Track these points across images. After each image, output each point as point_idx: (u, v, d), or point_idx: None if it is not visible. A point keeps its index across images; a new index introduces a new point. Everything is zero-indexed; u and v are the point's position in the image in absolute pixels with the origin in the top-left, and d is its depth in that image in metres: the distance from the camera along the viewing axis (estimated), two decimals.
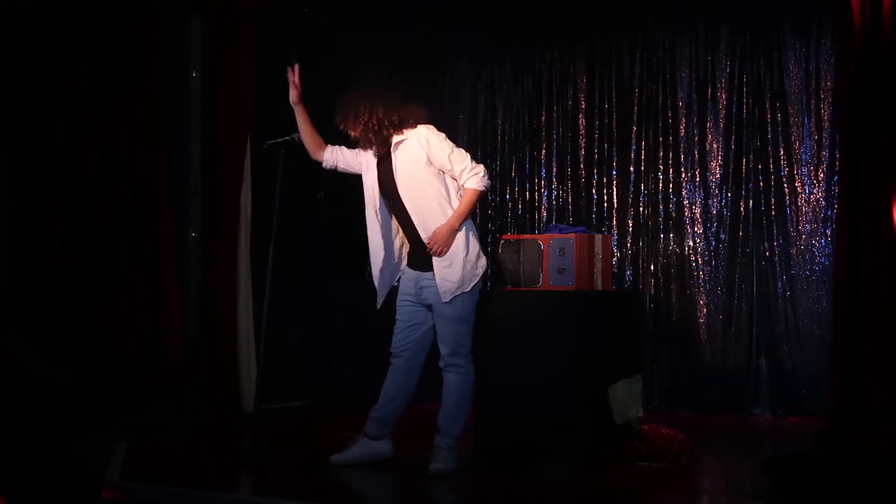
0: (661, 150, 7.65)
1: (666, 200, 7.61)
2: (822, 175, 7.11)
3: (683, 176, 7.56)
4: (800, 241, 7.16)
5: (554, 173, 8.07)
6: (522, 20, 7.71)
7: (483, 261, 5.07)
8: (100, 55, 6.79)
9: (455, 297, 4.95)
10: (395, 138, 5.03)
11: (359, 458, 5.05)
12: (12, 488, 4.37)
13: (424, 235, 4.97)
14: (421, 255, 5.04)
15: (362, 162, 5.18)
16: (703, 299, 7.42)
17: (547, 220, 7.95)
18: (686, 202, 7.54)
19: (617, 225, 7.77)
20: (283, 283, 5.97)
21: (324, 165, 5.31)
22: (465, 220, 4.99)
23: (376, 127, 5.03)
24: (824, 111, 7.11)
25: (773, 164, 7.27)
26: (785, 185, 7.23)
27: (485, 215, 8.22)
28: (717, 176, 7.45)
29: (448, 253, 4.95)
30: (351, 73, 7.23)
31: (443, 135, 5.06)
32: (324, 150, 5.27)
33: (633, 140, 7.74)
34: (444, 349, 5.01)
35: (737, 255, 7.36)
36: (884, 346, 5.26)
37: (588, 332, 5.13)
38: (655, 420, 5.68)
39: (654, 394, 7.40)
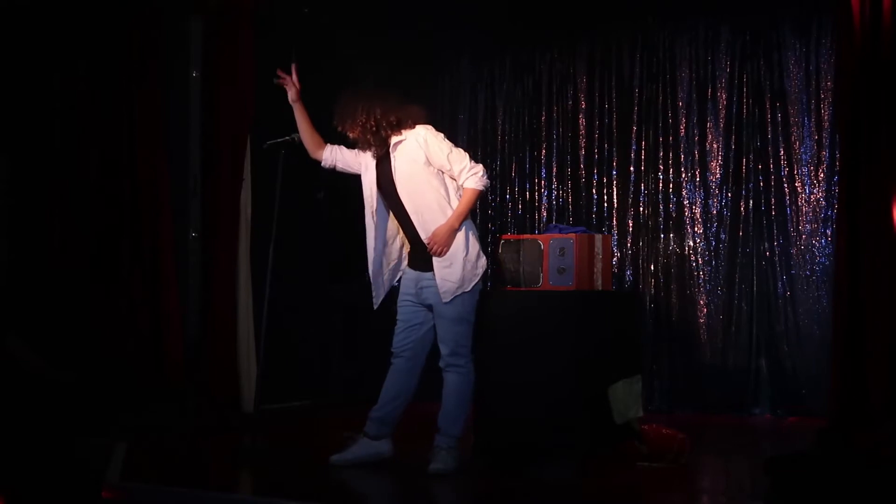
0: (661, 150, 7.65)
1: (666, 200, 7.61)
2: (822, 175, 7.11)
3: (683, 176, 7.56)
4: (800, 241, 7.16)
5: (554, 173, 8.07)
6: (522, 20, 7.70)
7: (483, 261, 5.07)
8: (100, 55, 6.79)
9: (455, 297, 4.95)
10: (394, 139, 5.03)
11: (359, 458, 5.05)
12: (12, 488, 4.37)
13: (424, 236, 4.97)
14: (421, 256, 5.04)
15: (361, 163, 5.18)
16: (703, 299, 7.42)
17: (547, 220, 7.95)
18: (686, 202, 7.54)
19: (617, 225, 7.77)
20: (283, 283, 5.98)
21: (322, 164, 5.31)
22: (464, 219, 4.99)
23: (374, 128, 5.03)
24: (824, 111, 7.11)
25: (773, 164, 7.27)
26: (785, 185, 7.23)
27: (485, 215, 8.22)
28: (718, 176, 7.45)
29: (448, 253, 4.95)
30: (351, 72, 7.25)
31: (441, 135, 5.06)
32: (323, 148, 5.27)
33: (633, 140, 7.74)
34: (444, 349, 5.00)
35: (737, 255, 7.36)
36: (884, 346, 5.26)
37: (588, 332, 5.14)
38: (655, 420, 5.68)
39: (654, 394, 7.40)
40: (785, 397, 7.10)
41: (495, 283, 6.83)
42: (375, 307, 5.19)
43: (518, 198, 8.21)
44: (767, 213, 7.28)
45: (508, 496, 4.62)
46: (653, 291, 7.59)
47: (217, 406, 6.70)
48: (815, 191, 7.14)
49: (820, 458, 4.87)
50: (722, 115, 7.46)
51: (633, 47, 7.79)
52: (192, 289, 6.94)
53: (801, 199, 7.18)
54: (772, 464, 4.47)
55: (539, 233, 7.31)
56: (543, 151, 8.12)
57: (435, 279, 4.95)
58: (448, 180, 5.01)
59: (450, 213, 4.95)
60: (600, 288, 5.36)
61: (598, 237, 5.41)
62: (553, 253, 5.24)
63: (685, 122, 7.57)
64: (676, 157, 7.59)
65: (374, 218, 5.10)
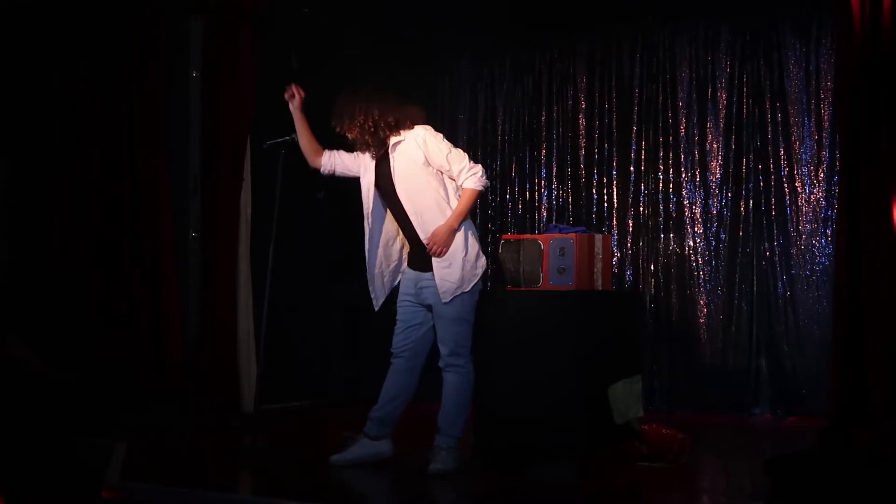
0: (661, 150, 7.65)
1: (666, 200, 7.61)
2: (822, 175, 7.12)
3: (683, 176, 7.56)
4: (800, 241, 7.16)
5: (554, 173, 8.07)
6: (522, 20, 7.70)
7: (483, 261, 5.06)
8: (100, 55, 6.79)
9: (455, 297, 4.94)
10: (393, 139, 5.03)
11: (359, 458, 5.05)
12: (12, 488, 4.36)
13: (423, 236, 4.97)
14: (420, 256, 5.03)
15: (361, 165, 5.18)
16: (703, 299, 7.42)
17: (547, 220, 7.95)
18: (686, 202, 7.54)
19: (617, 225, 7.77)
20: (283, 283, 5.97)
21: (322, 171, 5.30)
22: (463, 219, 4.99)
23: (372, 129, 5.02)
24: (824, 111, 7.11)
25: (773, 164, 7.27)
26: (785, 185, 7.23)
27: (485, 215, 8.22)
28: (718, 176, 7.45)
29: (447, 253, 4.94)
30: (351, 72, 7.25)
31: (440, 135, 5.06)
32: (321, 155, 5.27)
33: (633, 140, 7.74)
34: (443, 349, 5.00)
35: (737, 255, 7.36)
36: (884, 346, 5.26)
37: (588, 332, 5.14)
38: (655, 420, 5.68)
39: (654, 394, 7.40)
40: (785, 397, 7.10)
41: (495, 283, 6.83)
42: (376, 309, 5.19)
43: (518, 198, 8.21)
44: (767, 213, 7.28)
45: (508, 496, 4.62)
46: (653, 291, 7.59)
47: (217, 406, 6.70)
48: (815, 191, 7.14)
49: (820, 458, 4.87)
50: (722, 115, 7.46)
51: (633, 47, 7.79)
52: (192, 289, 6.94)
53: (801, 199, 7.18)
54: (772, 464, 4.47)
55: (539, 233, 7.30)
56: (543, 151, 8.12)
57: (434, 279, 4.95)
58: (447, 180, 5.01)
59: (449, 213, 4.95)
60: (600, 288, 5.36)
61: (598, 237, 5.41)
62: (553, 253, 5.24)
63: (685, 122, 7.58)
64: (676, 157, 7.59)
65: (370, 219, 5.10)
